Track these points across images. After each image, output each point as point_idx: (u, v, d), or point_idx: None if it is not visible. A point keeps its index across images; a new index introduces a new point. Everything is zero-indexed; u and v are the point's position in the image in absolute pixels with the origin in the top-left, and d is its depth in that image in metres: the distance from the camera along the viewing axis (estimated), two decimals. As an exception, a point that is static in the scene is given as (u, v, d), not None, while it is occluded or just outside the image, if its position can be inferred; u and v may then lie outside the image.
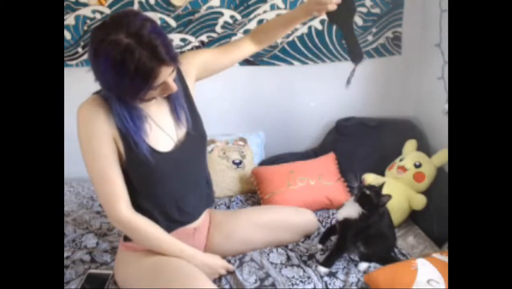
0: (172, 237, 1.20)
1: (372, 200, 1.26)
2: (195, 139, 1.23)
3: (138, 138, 1.10)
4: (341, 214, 1.30)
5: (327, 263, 1.30)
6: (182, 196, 1.23)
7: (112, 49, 0.95)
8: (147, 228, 1.16)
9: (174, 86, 1.06)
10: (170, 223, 1.22)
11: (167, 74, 1.02)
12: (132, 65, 0.95)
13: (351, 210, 1.28)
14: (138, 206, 1.19)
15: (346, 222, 1.29)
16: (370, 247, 1.32)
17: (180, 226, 1.25)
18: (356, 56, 1.29)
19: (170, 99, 1.18)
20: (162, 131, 1.17)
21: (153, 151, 1.13)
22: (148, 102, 1.13)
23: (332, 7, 1.18)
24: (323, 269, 1.28)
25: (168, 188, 1.19)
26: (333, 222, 1.40)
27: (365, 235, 1.30)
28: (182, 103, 1.20)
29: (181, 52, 1.81)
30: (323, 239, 1.39)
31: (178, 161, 1.18)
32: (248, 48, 1.33)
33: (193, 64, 1.26)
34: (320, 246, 1.38)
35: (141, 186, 1.17)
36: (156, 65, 0.97)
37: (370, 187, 1.29)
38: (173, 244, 1.19)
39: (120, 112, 1.07)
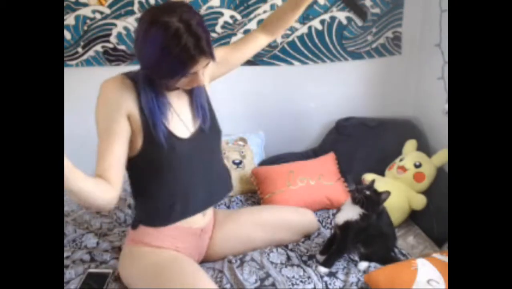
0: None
1: (372, 200, 1.26)
2: (209, 134, 1.25)
3: (158, 121, 1.12)
4: (341, 218, 1.30)
5: (327, 263, 1.30)
6: (192, 186, 1.23)
7: (162, 31, 0.99)
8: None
9: (202, 80, 1.10)
10: (177, 213, 1.23)
11: (202, 66, 1.06)
12: (177, 49, 1.00)
13: (350, 212, 1.28)
14: (148, 193, 1.21)
15: (347, 225, 1.28)
16: (370, 247, 1.32)
17: (188, 215, 1.25)
18: (361, 15, 1.30)
19: (192, 94, 1.22)
20: (180, 121, 1.19)
21: (171, 135, 1.16)
22: (171, 92, 1.18)
23: None
24: (323, 269, 1.28)
25: (180, 175, 1.20)
26: (332, 226, 1.39)
27: (365, 235, 1.30)
28: (204, 103, 1.24)
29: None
30: (325, 250, 1.35)
31: (192, 149, 1.20)
32: (262, 40, 1.35)
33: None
34: (320, 257, 1.35)
35: (154, 170, 1.18)
36: (197, 54, 1.02)
37: (368, 187, 1.29)
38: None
39: (148, 94, 1.11)
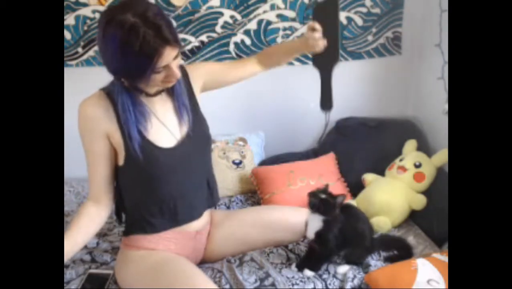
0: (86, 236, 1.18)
1: (328, 203, 1.23)
2: (197, 140, 1.23)
3: (133, 131, 1.11)
4: (310, 232, 1.26)
5: (314, 267, 1.28)
6: (181, 194, 1.23)
7: (118, 28, 0.97)
8: (76, 220, 1.17)
9: (177, 72, 1.07)
10: (166, 222, 1.23)
11: (171, 57, 1.03)
12: (137, 43, 0.97)
13: (315, 223, 1.24)
14: (135, 201, 1.22)
15: (319, 236, 1.25)
16: (346, 248, 1.29)
17: (178, 225, 1.25)
18: (325, 104, 1.38)
19: (174, 97, 1.20)
20: (165, 128, 1.18)
21: (152, 146, 1.15)
22: (153, 98, 1.16)
23: (319, 48, 1.26)
24: (309, 273, 1.27)
25: (167, 184, 1.20)
26: (307, 243, 1.34)
27: (343, 237, 1.26)
28: (186, 102, 1.22)
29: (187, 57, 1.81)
30: (303, 262, 1.30)
31: (178, 158, 1.19)
32: (254, 68, 1.41)
33: (201, 72, 1.31)
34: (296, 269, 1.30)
35: (138, 181, 1.19)
36: (159, 44, 0.99)
37: (323, 191, 1.26)
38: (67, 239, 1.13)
39: (125, 102, 1.10)
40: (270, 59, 1.41)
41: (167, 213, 1.22)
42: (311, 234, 1.26)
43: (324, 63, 1.33)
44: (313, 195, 1.25)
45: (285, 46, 1.45)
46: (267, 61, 1.41)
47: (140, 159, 1.12)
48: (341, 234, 1.25)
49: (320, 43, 1.25)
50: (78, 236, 1.15)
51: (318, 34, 1.24)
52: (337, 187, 1.76)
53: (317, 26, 1.24)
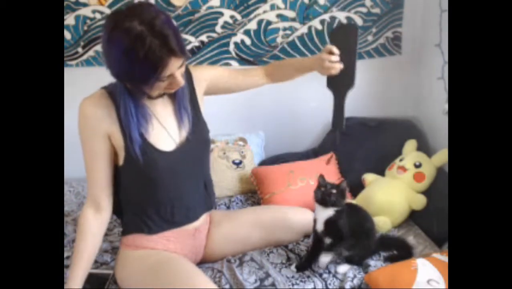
0: (90, 258, 1.18)
1: (338, 195, 1.24)
2: (196, 144, 1.23)
3: (134, 133, 1.11)
4: (319, 223, 1.26)
5: (333, 252, 1.27)
6: (178, 197, 1.23)
7: (124, 36, 0.96)
8: (83, 236, 1.16)
9: (181, 81, 1.07)
10: (163, 223, 1.23)
11: (175, 67, 1.02)
12: (142, 52, 0.96)
13: (325, 213, 1.25)
14: (132, 202, 1.22)
15: (329, 223, 1.24)
16: (353, 248, 1.29)
17: (174, 227, 1.25)
18: (337, 125, 1.38)
19: (175, 100, 1.19)
20: (165, 131, 1.18)
21: (152, 148, 1.15)
22: (155, 100, 1.16)
23: (335, 71, 1.25)
24: (326, 259, 1.26)
25: (164, 187, 1.20)
26: (313, 237, 1.33)
27: (351, 230, 1.26)
28: (186, 105, 1.21)
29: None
30: (306, 261, 1.30)
31: (177, 162, 1.19)
32: (261, 79, 1.40)
33: (205, 76, 1.30)
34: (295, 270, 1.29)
35: (138, 182, 1.18)
36: (165, 54, 0.98)
37: (331, 186, 1.26)
38: (73, 266, 1.15)
39: (127, 104, 1.09)
40: (279, 72, 1.39)
41: (164, 215, 1.22)
42: (320, 226, 1.26)
43: (339, 86, 1.32)
44: (327, 194, 1.24)
45: (298, 62, 1.44)
46: (275, 74, 1.39)
47: (140, 161, 1.12)
48: (351, 225, 1.25)
49: (336, 66, 1.24)
50: (88, 257, 1.16)
51: (335, 58, 1.23)
52: (337, 187, 1.76)
53: (335, 49, 1.23)
